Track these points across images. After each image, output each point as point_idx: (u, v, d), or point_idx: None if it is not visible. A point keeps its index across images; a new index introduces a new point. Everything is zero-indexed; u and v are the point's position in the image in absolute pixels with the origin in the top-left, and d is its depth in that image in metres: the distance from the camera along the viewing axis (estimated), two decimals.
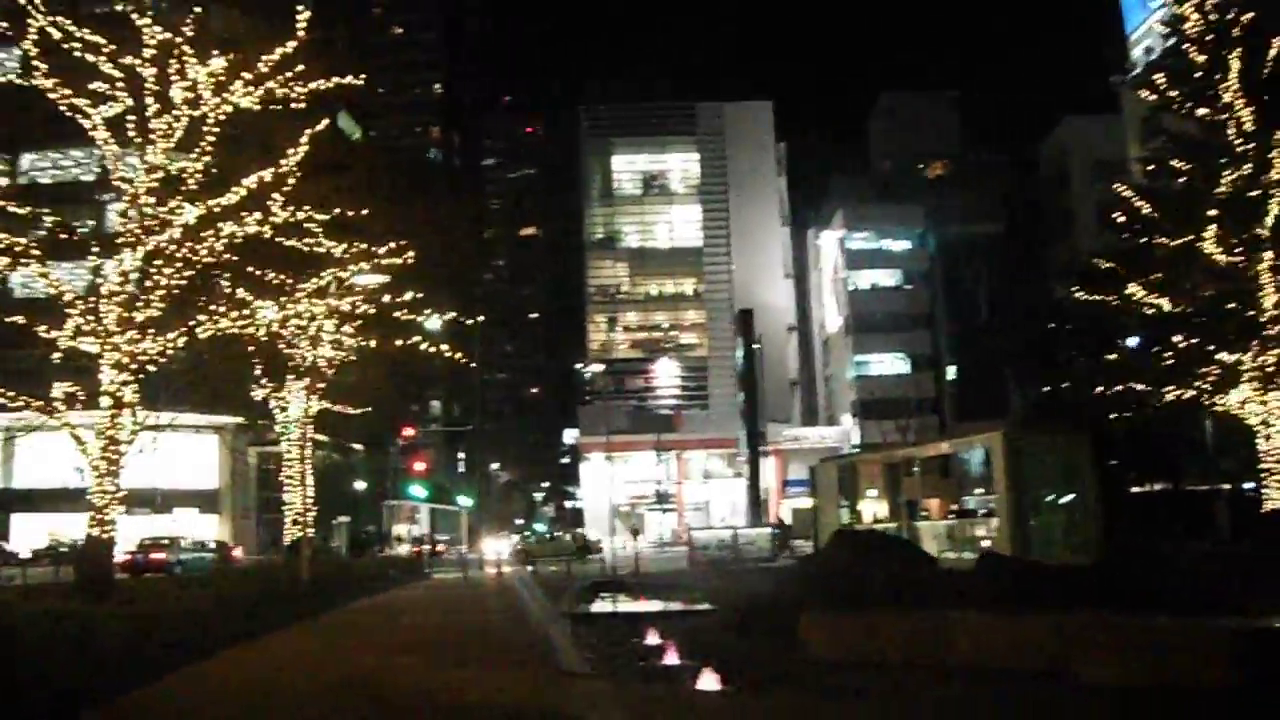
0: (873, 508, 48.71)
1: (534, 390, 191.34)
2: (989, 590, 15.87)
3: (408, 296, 30.34)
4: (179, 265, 23.24)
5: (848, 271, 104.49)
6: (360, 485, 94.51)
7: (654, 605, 27.39)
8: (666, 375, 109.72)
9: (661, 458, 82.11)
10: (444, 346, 29.27)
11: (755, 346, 70.67)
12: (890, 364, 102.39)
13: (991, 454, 36.77)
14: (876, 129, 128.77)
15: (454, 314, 28.05)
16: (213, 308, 23.97)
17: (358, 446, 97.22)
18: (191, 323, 23.52)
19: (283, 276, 26.20)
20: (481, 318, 49.65)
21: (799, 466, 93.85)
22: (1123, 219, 36.70)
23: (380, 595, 31.57)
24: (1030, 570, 18.14)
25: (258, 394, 36.45)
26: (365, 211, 27.58)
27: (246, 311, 24.47)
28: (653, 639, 17.42)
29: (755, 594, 23.10)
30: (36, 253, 22.79)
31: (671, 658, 15.50)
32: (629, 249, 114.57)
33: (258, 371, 35.71)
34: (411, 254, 27.26)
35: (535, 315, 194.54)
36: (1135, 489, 50.33)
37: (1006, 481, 35.18)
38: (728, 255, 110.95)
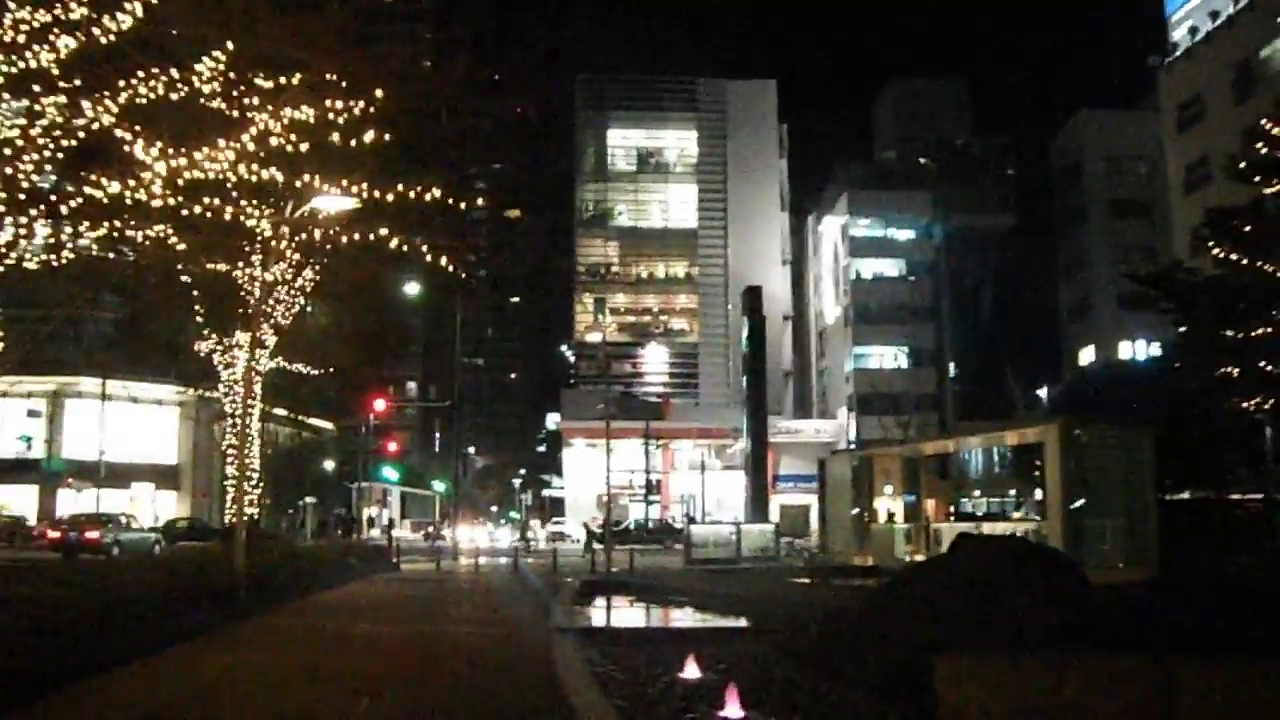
0: (888, 505, 44.87)
1: (513, 375, 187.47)
2: (1180, 621, 11.20)
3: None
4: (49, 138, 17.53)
5: (850, 259, 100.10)
6: (329, 465, 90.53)
7: (677, 618, 22.84)
8: (655, 361, 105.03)
9: (651, 446, 77.59)
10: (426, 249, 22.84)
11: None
12: (890, 357, 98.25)
13: (1044, 447, 32.26)
14: (883, 114, 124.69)
15: (439, 192, 20.95)
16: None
17: (325, 424, 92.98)
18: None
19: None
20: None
21: (792, 460, 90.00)
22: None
23: (337, 590, 26.38)
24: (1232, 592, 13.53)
25: (202, 347, 31.36)
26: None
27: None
28: (691, 670, 12.66)
29: (800, 609, 18.58)
30: None
31: (734, 709, 10.62)
32: (621, 228, 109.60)
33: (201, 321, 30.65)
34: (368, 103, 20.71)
35: (517, 299, 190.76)
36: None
37: (1060, 478, 30.93)
38: (723, 238, 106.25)
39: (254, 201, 23.02)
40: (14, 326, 21.62)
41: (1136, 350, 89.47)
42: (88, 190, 17.83)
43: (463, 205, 21.46)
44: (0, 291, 22.03)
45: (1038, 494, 53.74)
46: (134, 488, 75.68)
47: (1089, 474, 30.79)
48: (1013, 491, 55.55)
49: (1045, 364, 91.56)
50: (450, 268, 23.21)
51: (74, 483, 69.87)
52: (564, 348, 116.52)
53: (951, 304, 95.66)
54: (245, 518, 26.75)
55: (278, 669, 13.76)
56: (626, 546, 50.89)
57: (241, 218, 22.16)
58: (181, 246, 21.32)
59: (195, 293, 29.31)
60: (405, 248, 22.58)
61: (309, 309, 31.80)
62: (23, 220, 17.55)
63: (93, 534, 43.71)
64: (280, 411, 65.27)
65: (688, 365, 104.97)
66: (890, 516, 43.97)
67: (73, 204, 18.42)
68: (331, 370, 36.02)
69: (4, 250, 17.79)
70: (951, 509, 44.81)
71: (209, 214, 20.20)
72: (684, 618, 22.95)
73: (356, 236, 23.82)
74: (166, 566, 23.37)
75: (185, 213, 19.63)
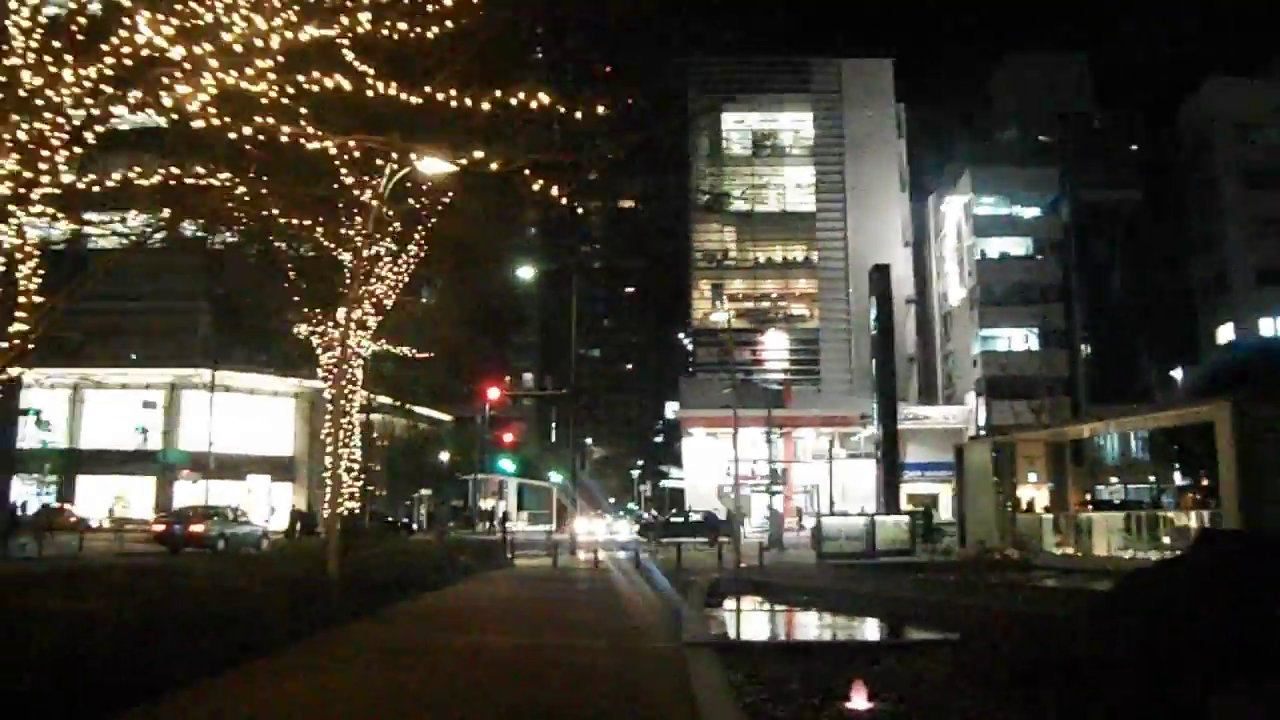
0: (1031, 494, 42.27)
1: (629, 366, 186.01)
2: None
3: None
4: None
5: (974, 238, 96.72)
6: (444, 457, 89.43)
7: (825, 626, 20.52)
8: (775, 347, 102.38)
9: (773, 434, 75.18)
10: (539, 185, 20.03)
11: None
12: (1019, 340, 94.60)
13: (1216, 430, 29.34)
14: (1001, 91, 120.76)
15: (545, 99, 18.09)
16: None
17: (441, 416, 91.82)
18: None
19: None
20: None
21: (918, 448, 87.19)
22: None
23: (445, 591, 24.16)
24: None
25: (301, 329, 29.45)
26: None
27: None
28: (859, 699, 10.33)
29: (965, 614, 16.15)
30: None
31: None
32: (737, 213, 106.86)
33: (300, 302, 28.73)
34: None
35: (632, 289, 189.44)
36: None
37: (1235, 464, 28.04)
38: (842, 221, 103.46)
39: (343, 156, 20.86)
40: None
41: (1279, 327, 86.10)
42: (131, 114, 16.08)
43: (576, 112, 18.76)
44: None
45: (1177, 479, 50.81)
46: (249, 479, 75.51)
47: (1267, 456, 27.87)
48: (1152, 478, 52.55)
49: (1180, 343, 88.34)
50: (560, 198, 20.73)
51: (188, 474, 69.33)
52: (682, 335, 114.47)
53: (1081, 283, 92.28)
54: (345, 512, 24.95)
55: (358, 696, 11.64)
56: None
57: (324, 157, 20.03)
58: (259, 193, 19.30)
59: (291, 270, 27.56)
60: (507, 169, 20.02)
61: (415, 288, 29.86)
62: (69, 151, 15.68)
63: (197, 528, 42.30)
64: (384, 399, 64.31)
65: (808, 351, 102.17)
66: (1031, 506, 41.40)
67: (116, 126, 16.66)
68: (439, 354, 33.96)
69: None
70: (1087, 497, 42.27)
71: (278, 149, 18.21)
72: (834, 626, 20.65)
73: (457, 198, 21.91)
74: (263, 565, 21.22)
75: (249, 146, 17.67)
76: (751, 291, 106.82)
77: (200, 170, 17.01)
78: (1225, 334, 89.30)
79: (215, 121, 15.96)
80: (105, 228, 18.66)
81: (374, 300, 27.79)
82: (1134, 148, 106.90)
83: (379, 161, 21.82)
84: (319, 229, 23.43)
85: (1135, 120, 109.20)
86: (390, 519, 70.52)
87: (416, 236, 27.82)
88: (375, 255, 27.20)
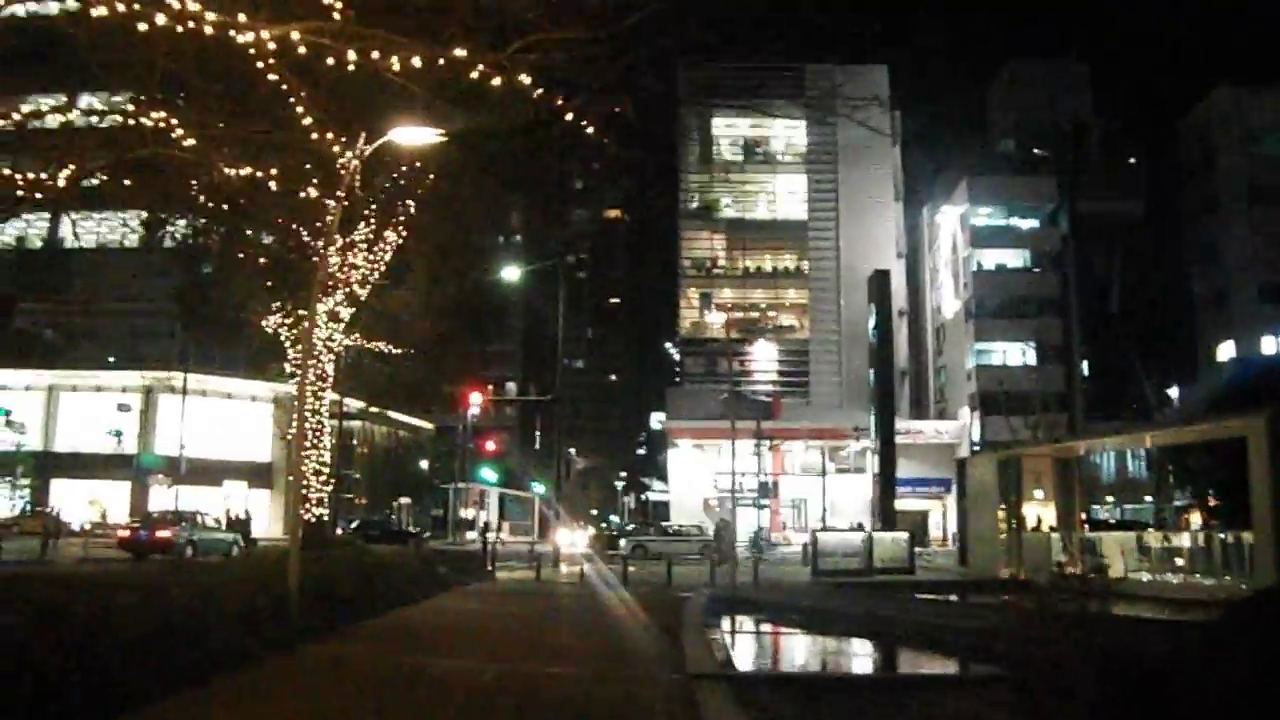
0: (1038, 511, 40.64)
1: (613, 377, 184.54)
2: None
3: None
4: None
5: (970, 249, 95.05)
6: (425, 465, 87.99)
7: (842, 654, 18.56)
8: (764, 358, 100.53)
9: (759, 447, 73.41)
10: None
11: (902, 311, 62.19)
12: (1015, 354, 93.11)
13: (1249, 445, 27.50)
14: (998, 99, 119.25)
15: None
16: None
17: (423, 424, 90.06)
18: None
19: None
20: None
21: (907, 463, 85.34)
22: None
23: (421, 606, 22.01)
24: None
25: (270, 322, 27.29)
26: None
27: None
28: None
29: (995, 641, 14.18)
30: None
31: None
32: (727, 220, 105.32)
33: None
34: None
35: (617, 300, 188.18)
36: None
37: (1269, 480, 26.28)
38: (834, 230, 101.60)
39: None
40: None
41: None
42: None
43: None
44: None
45: (1176, 500, 49.12)
46: (225, 485, 73.67)
47: None
48: (1148, 497, 50.97)
49: (1178, 360, 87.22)
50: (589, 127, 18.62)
51: (162, 479, 67.52)
52: (669, 345, 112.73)
53: (1079, 296, 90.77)
54: (311, 518, 22.99)
55: None
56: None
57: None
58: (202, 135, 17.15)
59: (259, 258, 25.54)
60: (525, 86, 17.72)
61: (393, 280, 27.82)
62: None
63: (163, 533, 40.39)
64: (360, 404, 62.45)
65: (798, 362, 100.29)
66: (1039, 524, 39.73)
67: None
68: (416, 350, 31.86)
69: None
70: (1082, 516, 40.56)
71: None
72: (851, 653, 18.66)
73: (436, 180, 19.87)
74: (218, 575, 19.06)
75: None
76: (741, 301, 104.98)
77: (128, 107, 15.03)
78: (1226, 351, 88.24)
79: (120, 6, 13.88)
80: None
81: (347, 290, 25.77)
82: (1135, 159, 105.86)
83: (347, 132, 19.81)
84: (278, 185, 20.91)
85: (1136, 131, 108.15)
86: (398, 528, 69.27)
87: (394, 222, 25.82)
88: (349, 243, 25.22)
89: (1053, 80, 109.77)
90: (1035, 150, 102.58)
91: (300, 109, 18.04)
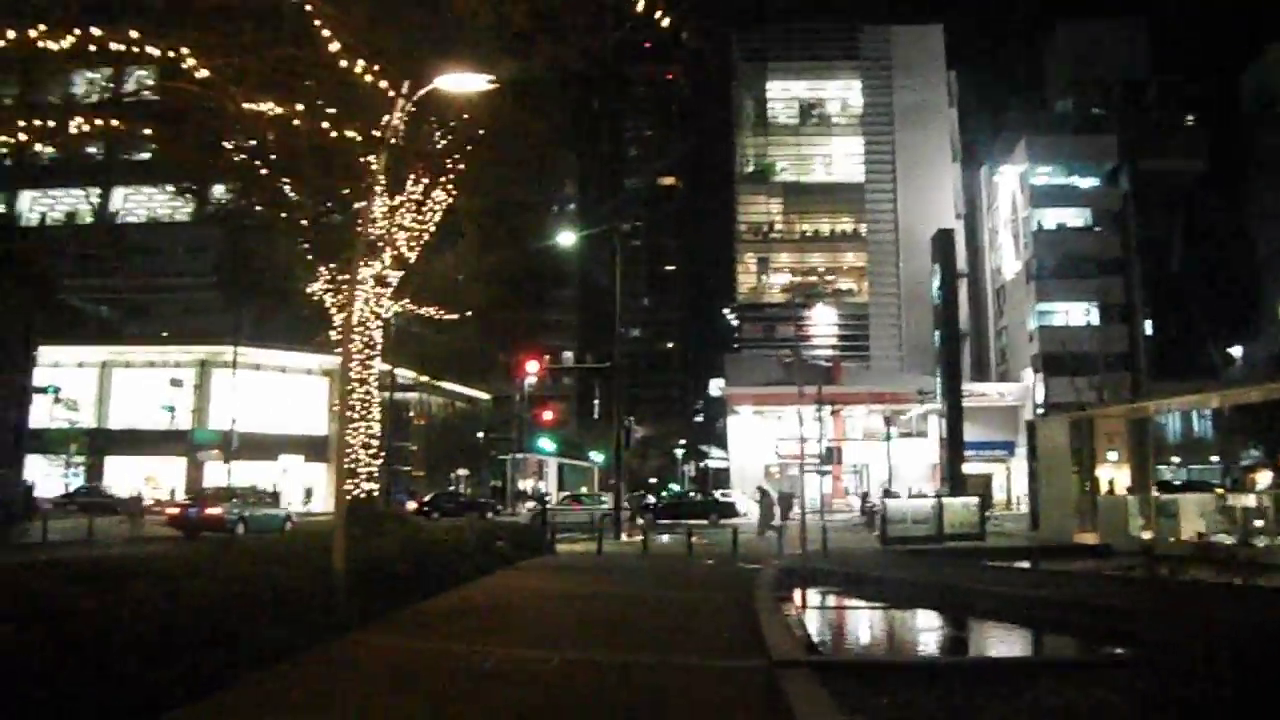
0: (1111, 474, 39.32)
1: (670, 345, 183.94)
2: None
3: None
4: None
5: (1030, 209, 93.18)
6: (483, 436, 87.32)
7: (932, 632, 17.46)
8: (823, 322, 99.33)
9: (820, 412, 72.29)
10: None
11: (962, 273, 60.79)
12: (1078, 314, 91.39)
13: None
14: (1055, 59, 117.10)
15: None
16: None
17: (480, 395, 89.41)
18: None
19: None
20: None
21: (971, 426, 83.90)
22: None
23: (476, 586, 20.84)
24: None
25: (315, 288, 26.18)
26: None
27: None
28: None
29: (1109, 617, 13.06)
30: None
31: None
32: (783, 183, 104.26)
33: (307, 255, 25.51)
34: None
35: (673, 267, 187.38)
36: None
37: None
38: (892, 192, 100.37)
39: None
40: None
41: None
42: None
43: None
44: None
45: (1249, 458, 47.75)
46: (281, 460, 73.25)
47: None
48: (1214, 457, 49.75)
49: (1241, 318, 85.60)
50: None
51: (215, 454, 66.87)
52: (726, 311, 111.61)
53: (1141, 256, 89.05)
54: (360, 494, 22.02)
55: None
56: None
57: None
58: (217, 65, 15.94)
59: (303, 219, 24.43)
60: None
61: (443, 243, 26.73)
62: None
63: (214, 510, 39.34)
64: (411, 373, 61.65)
65: (857, 326, 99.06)
66: (1112, 487, 38.44)
67: None
68: (470, 315, 30.60)
69: None
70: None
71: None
72: (943, 631, 17.54)
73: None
74: (266, 556, 17.85)
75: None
76: (798, 265, 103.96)
77: (133, 34, 13.94)
78: None
79: None
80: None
81: (395, 253, 24.67)
82: (1195, 116, 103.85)
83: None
84: (305, 125, 19.45)
85: (1197, 88, 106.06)
86: (475, 499, 68.81)
87: (443, 181, 24.67)
88: (396, 205, 24.14)
89: (1110, 38, 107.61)
90: (1094, 110, 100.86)
91: (326, 32, 16.79)
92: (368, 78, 17.76)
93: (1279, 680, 8.08)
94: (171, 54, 14.92)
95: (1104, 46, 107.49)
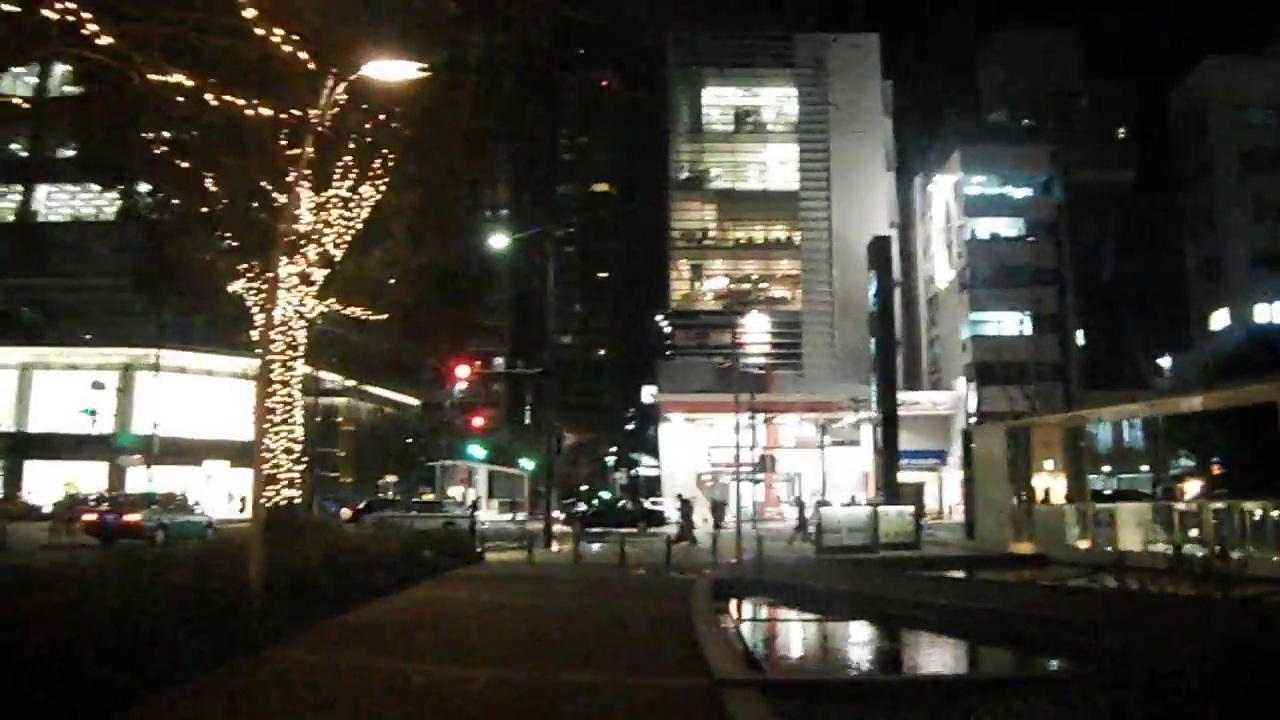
0: (1046, 483, 39.32)
1: (602, 352, 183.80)
2: None
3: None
4: None
5: (964, 219, 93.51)
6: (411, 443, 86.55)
7: (872, 646, 16.93)
8: (756, 330, 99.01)
9: (753, 420, 72.07)
10: None
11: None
12: (1010, 324, 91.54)
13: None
14: (989, 69, 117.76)
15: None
16: None
17: (409, 400, 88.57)
18: None
19: None
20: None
21: (904, 435, 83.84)
22: None
23: (401, 596, 20.26)
24: None
25: (236, 286, 25.24)
26: None
27: None
28: None
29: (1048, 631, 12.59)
30: None
31: None
32: (717, 190, 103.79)
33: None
34: None
35: (606, 274, 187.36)
36: None
37: None
38: (827, 201, 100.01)
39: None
40: None
41: (1275, 313, 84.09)
42: None
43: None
44: None
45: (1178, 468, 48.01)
46: (206, 465, 72.00)
47: None
48: (1144, 467, 50.14)
49: (1172, 328, 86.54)
50: None
51: (137, 459, 65.51)
52: (659, 318, 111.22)
53: (1073, 265, 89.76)
54: (281, 500, 21.25)
55: None
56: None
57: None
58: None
59: (221, 205, 23.45)
60: None
61: (370, 244, 25.88)
62: None
63: (132, 517, 38.22)
64: (338, 376, 60.80)
65: (790, 335, 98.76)
66: (1048, 496, 38.40)
67: None
68: (396, 315, 29.68)
69: None
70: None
71: None
72: (888, 644, 17.06)
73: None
74: (171, 568, 16.85)
75: None
76: (732, 272, 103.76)
77: None
78: (1219, 320, 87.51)
79: None
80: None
81: (320, 250, 23.81)
82: (1127, 128, 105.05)
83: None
84: (217, 99, 18.28)
85: (1128, 100, 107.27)
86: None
87: (372, 176, 23.82)
88: (323, 201, 23.34)
89: (1044, 49, 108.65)
90: (1025, 121, 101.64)
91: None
92: (286, 47, 16.69)
93: (1234, 695, 7.57)
94: (70, 16, 13.96)
95: (1037, 57, 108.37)
